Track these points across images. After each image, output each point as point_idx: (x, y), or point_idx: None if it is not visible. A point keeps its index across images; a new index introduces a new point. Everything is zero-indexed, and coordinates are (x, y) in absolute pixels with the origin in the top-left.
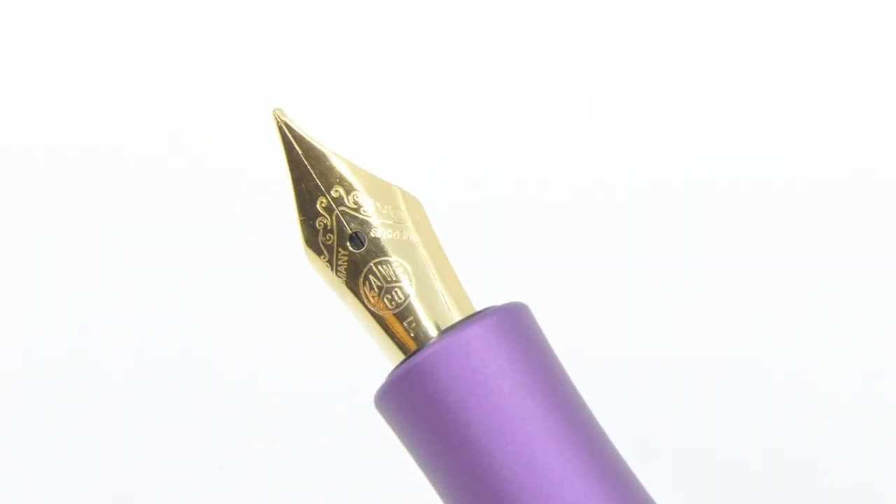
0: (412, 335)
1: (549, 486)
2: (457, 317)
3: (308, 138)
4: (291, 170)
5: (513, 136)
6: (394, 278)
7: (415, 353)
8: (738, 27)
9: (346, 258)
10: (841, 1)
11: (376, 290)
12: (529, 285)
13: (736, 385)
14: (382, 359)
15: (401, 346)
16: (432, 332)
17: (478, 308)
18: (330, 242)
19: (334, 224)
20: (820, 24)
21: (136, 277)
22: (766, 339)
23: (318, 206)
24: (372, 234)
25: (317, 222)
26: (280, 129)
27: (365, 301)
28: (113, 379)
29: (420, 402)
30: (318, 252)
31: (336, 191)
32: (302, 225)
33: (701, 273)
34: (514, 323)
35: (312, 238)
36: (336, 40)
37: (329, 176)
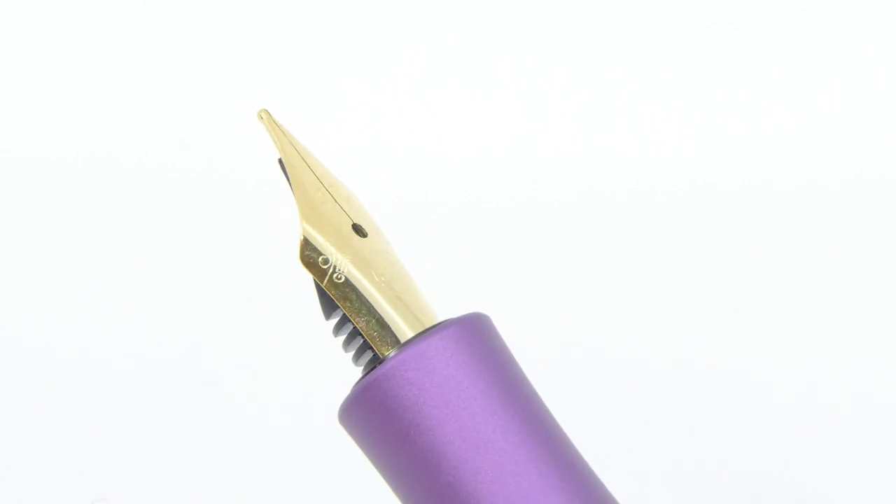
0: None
1: (512, 496)
2: (410, 333)
3: (296, 140)
4: (286, 163)
5: (517, 136)
6: (391, 271)
7: (373, 368)
8: (739, 27)
9: (354, 244)
10: (841, 1)
11: (386, 276)
12: (536, 286)
13: (739, 387)
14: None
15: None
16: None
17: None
18: (336, 227)
19: (339, 214)
20: (820, 24)
21: (135, 280)
22: (763, 342)
23: (319, 194)
24: (369, 228)
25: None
26: (270, 129)
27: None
28: (113, 380)
29: (378, 417)
30: (325, 234)
31: (331, 189)
32: (305, 210)
33: (698, 276)
34: (471, 334)
35: (318, 219)
36: (329, 41)
37: (321, 176)
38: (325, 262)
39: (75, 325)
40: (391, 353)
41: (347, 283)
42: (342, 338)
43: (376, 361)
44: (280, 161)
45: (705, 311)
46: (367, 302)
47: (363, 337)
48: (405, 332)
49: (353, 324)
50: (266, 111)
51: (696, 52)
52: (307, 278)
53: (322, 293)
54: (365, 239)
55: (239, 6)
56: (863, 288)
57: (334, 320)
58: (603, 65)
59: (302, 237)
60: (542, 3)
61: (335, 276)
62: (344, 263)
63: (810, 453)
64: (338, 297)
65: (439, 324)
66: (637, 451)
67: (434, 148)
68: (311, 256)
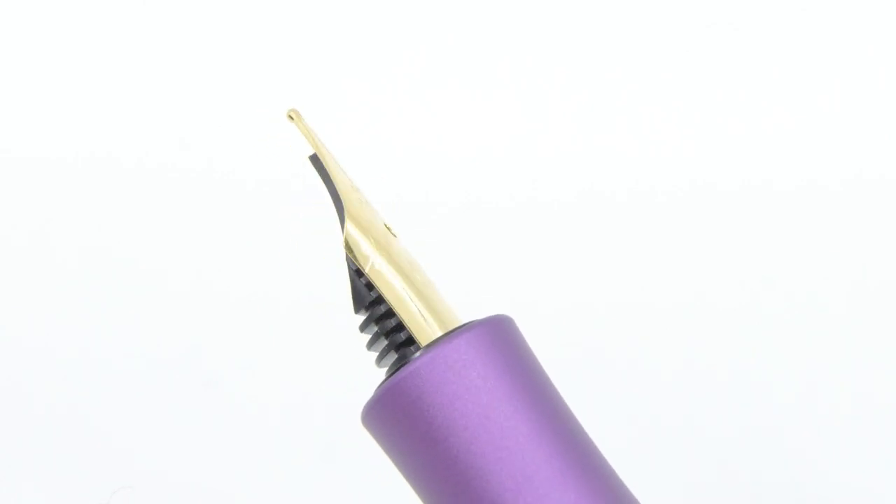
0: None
1: (537, 498)
2: (439, 332)
3: (324, 145)
4: (327, 164)
5: (517, 136)
6: (420, 271)
7: (398, 369)
8: (739, 27)
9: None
10: (841, 1)
11: (417, 276)
12: (536, 286)
13: (739, 387)
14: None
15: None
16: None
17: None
18: (375, 225)
19: (374, 214)
20: (820, 24)
21: (135, 280)
22: (763, 342)
23: (355, 193)
24: (394, 231)
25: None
26: (302, 129)
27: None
28: (113, 380)
29: (404, 418)
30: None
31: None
32: (349, 205)
33: (698, 276)
34: (495, 336)
35: (359, 215)
36: (329, 41)
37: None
38: (368, 249)
39: (75, 325)
40: (417, 354)
41: (389, 272)
42: (363, 338)
43: (401, 362)
44: (313, 158)
45: (705, 311)
46: (405, 294)
47: (386, 338)
48: (433, 331)
49: (376, 325)
50: (295, 111)
51: (696, 52)
52: (309, 280)
53: (356, 286)
54: (395, 239)
55: (239, 7)
56: (863, 288)
57: (355, 324)
58: (603, 65)
59: (347, 229)
60: (542, 3)
61: (377, 264)
62: (381, 258)
63: (810, 453)
64: (380, 285)
65: (464, 325)
66: (637, 452)
67: (434, 148)
68: (355, 243)
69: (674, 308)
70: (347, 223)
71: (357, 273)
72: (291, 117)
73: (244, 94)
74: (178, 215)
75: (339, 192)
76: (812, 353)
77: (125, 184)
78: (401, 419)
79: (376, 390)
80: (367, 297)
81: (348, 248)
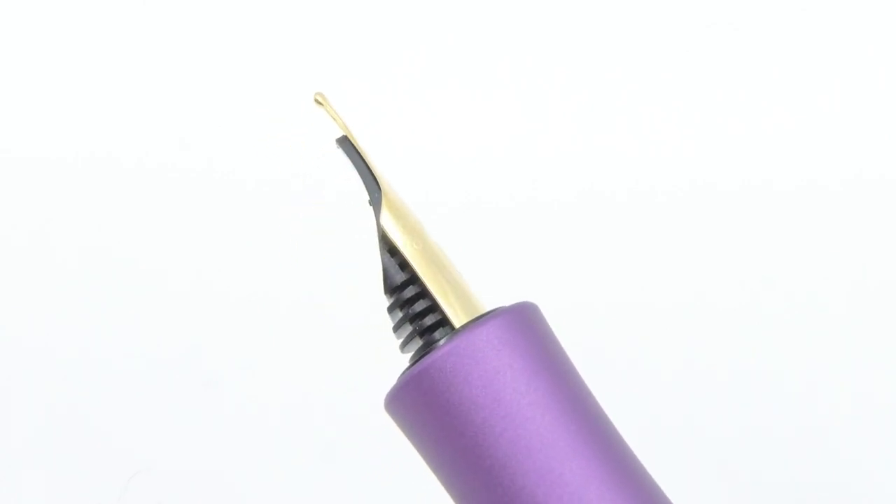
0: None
1: (565, 487)
2: (468, 317)
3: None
4: (357, 144)
5: (517, 136)
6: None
7: (424, 355)
8: (739, 27)
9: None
10: (841, 1)
11: (447, 261)
12: (536, 286)
13: (739, 387)
14: (384, 362)
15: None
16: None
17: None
18: (409, 209)
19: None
20: (820, 24)
21: (135, 280)
22: (763, 342)
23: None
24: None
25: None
26: (331, 112)
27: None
28: (113, 380)
29: (430, 404)
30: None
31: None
32: (386, 187)
33: (698, 276)
34: (522, 322)
35: (395, 198)
36: (329, 41)
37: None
38: (404, 229)
39: (75, 325)
40: (444, 339)
41: (424, 253)
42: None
43: (427, 348)
44: (342, 140)
45: (705, 311)
46: (439, 276)
47: (411, 323)
48: (462, 316)
49: (401, 311)
50: (322, 94)
51: (696, 52)
52: (309, 280)
53: (387, 267)
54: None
55: (239, 6)
56: (863, 288)
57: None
58: (603, 65)
59: (385, 208)
60: (542, 3)
61: (414, 245)
62: (417, 239)
63: (810, 453)
64: (416, 264)
65: (491, 311)
66: (636, 452)
67: (434, 148)
68: (393, 222)
69: (674, 308)
70: (385, 202)
71: (390, 253)
72: (319, 101)
73: (244, 93)
74: (178, 215)
75: (376, 173)
76: (812, 353)
77: (125, 184)
78: (429, 404)
79: (402, 375)
80: (398, 279)
81: (386, 226)
